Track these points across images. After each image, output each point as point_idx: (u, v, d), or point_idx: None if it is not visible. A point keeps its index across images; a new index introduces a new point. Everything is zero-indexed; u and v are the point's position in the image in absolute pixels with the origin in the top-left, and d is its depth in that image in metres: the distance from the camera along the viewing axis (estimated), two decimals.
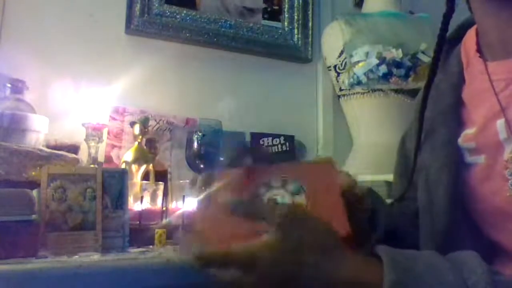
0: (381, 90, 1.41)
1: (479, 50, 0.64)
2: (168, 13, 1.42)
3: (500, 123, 0.57)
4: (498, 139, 0.57)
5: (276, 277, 0.46)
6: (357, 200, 0.61)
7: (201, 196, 0.57)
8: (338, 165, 0.61)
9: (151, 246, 0.91)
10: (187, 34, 1.44)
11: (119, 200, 0.88)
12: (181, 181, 1.18)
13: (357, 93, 1.46)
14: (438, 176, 0.62)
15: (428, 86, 0.68)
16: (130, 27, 1.37)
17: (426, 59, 1.36)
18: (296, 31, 1.61)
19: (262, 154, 0.59)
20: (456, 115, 0.64)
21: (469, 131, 0.61)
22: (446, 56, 0.69)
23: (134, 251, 0.88)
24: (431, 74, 0.68)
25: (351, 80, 1.41)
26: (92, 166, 1.12)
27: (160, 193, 1.08)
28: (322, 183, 0.55)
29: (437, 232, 0.61)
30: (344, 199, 0.55)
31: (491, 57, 0.62)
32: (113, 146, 1.27)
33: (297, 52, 1.61)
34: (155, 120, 1.32)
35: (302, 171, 0.58)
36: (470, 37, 0.67)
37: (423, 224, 0.65)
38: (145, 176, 1.16)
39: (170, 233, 0.96)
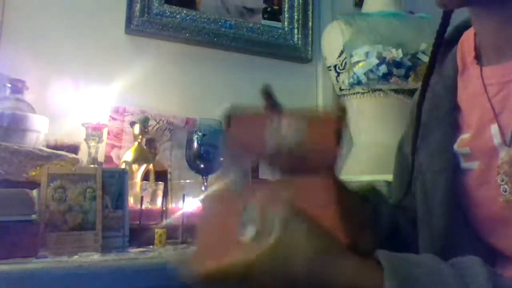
0: (381, 90, 1.41)
1: (476, 54, 0.63)
2: (168, 13, 1.42)
3: (494, 128, 0.57)
4: (493, 145, 0.57)
5: (275, 284, 0.46)
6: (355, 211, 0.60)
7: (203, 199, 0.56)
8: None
9: (151, 246, 0.91)
10: (187, 34, 1.44)
11: (119, 200, 0.88)
12: (181, 181, 1.18)
13: (357, 93, 1.45)
14: (435, 182, 0.62)
15: (424, 89, 0.68)
16: (130, 27, 1.37)
17: (426, 59, 1.36)
18: (296, 31, 1.61)
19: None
20: (452, 120, 0.63)
21: (465, 136, 0.61)
22: (442, 58, 0.69)
23: (134, 251, 0.88)
24: (427, 77, 0.68)
25: (351, 80, 1.41)
26: (92, 166, 1.12)
27: (160, 193, 1.08)
28: (317, 198, 0.52)
29: (435, 237, 0.61)
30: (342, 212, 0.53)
31: (487, 61, 0.62)
32: (113, 146, 1.27)
33: (297, 52, 1.61)
34: (155, 120, 1.32)
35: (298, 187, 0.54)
36: (467, 40, 0.66)
37: (421, 229, 0.64)
38: (145, 176, 1.16)
39: (170, 233, 0.96)
